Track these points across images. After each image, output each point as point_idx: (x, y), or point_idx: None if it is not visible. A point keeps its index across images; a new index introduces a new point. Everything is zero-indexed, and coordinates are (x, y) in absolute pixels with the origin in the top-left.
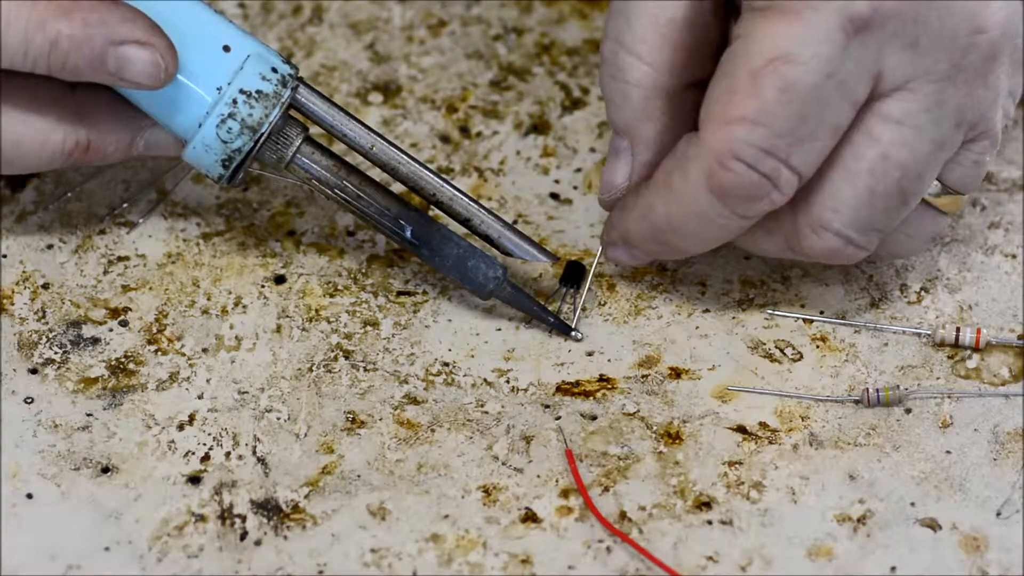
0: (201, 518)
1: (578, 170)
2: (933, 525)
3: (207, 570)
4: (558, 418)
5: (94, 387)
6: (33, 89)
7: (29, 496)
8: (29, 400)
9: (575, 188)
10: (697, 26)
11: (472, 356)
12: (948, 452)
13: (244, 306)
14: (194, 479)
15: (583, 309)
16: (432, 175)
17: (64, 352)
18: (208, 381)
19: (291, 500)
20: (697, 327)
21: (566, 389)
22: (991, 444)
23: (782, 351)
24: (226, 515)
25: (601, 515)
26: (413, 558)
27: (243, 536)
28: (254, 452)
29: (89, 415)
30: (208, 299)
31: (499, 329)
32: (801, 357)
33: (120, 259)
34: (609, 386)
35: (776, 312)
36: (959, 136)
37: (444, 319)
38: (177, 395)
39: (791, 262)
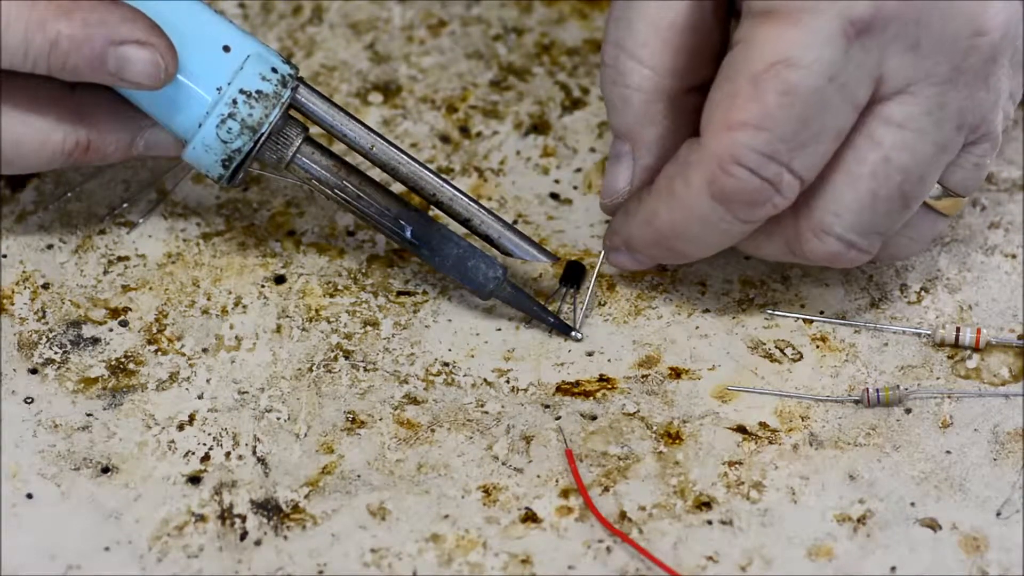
0: (201, 518)
1: (578, 170)
2: (933, 525)
3: (207, 570)
4: (558, 418)
5: (94, 387)
6: (33, 89)
7: (29, 496)
8: (29, 400)
9: (575, 188)
10: (698, 30)
11: (472, 356)
12: (948, 452)
13: (244, 306)
14: (194, 479)
15: (582, 304)
16: (432, 175)
17: (64, 352)
18: (208, 381)
19: (291, 500)
20: (697, 327)
21: (566, 389)
22: (991, 444)
23: (782, 351)
24: (226, 515)
25: (601, 515)
26: (413, 558)
27: (243, 536)
28: (254, 452)
29: (89, 415)
30: (208, 299)
31: (499, 329)
32: (801, 357)
33: (120, 259)
34: (609, 386)
35: (776, 312)
36: (960, 139)
37: (444, 319)
38: (177, 395)
39: (791, 262)
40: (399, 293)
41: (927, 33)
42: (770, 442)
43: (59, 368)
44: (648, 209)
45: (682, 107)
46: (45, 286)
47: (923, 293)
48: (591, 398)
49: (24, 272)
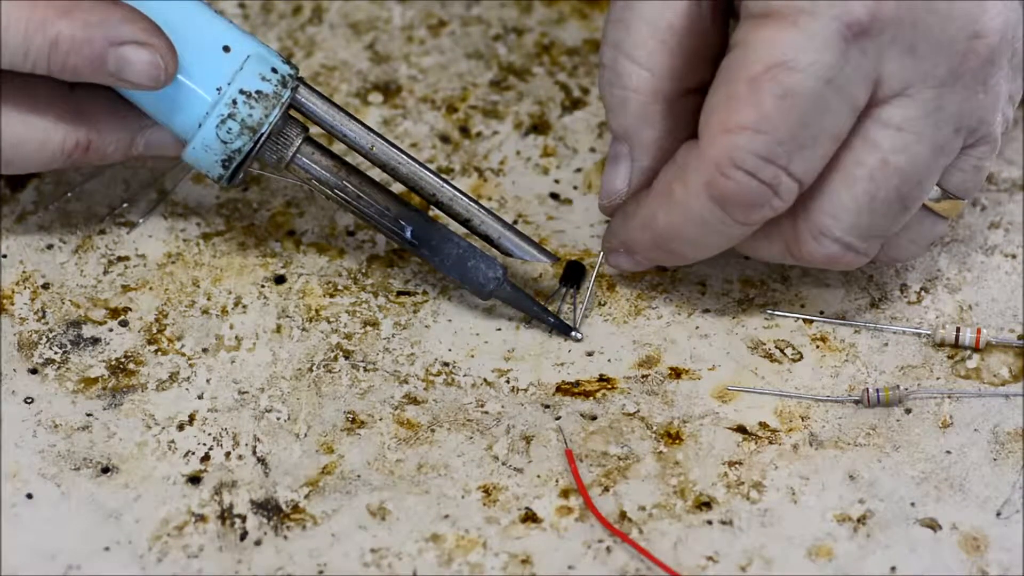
0: (201, 518)
1: (578, 170)
2: (933, 525)
3: (207, 570)
4: (558, 418)
5: (94, 387)
6: (33, 89)
7: (29, 496)
8: (29, 400)
9: (575, 188)
10: (696, 32)
11: (472, 356)
12: (948, 452)
13: (244, 306)
14: (194, 479)
15: (582, 304)
16: (432, 175)
17: (64, 352)
18: (208, 381)
19: (291, 500)
20: (697, 327)
21: (566, 389)
22: (991, 444)
23: (782, 351)
24: (226, 515)
25: (601, 515)
26: (413, 558)
27: (243, 536)
28: (254, 452)
29: (89, 415)
30: (208, 299)
31: (499, 329)
32: (801, 357)
33: (120, 259)
34: (609, 386)
35: (776, 312)
36: (959, 141)
37: (444, 319)
38: (177, 395)
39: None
40: (399, 293)
41: (925, 36)
42: (770, 442)
43: (59, 368)
44: (647, 212)
45: (680, 109)
46: (45, 286)
47: (923, 293)
48: (591, 398)
49: (24, 272)
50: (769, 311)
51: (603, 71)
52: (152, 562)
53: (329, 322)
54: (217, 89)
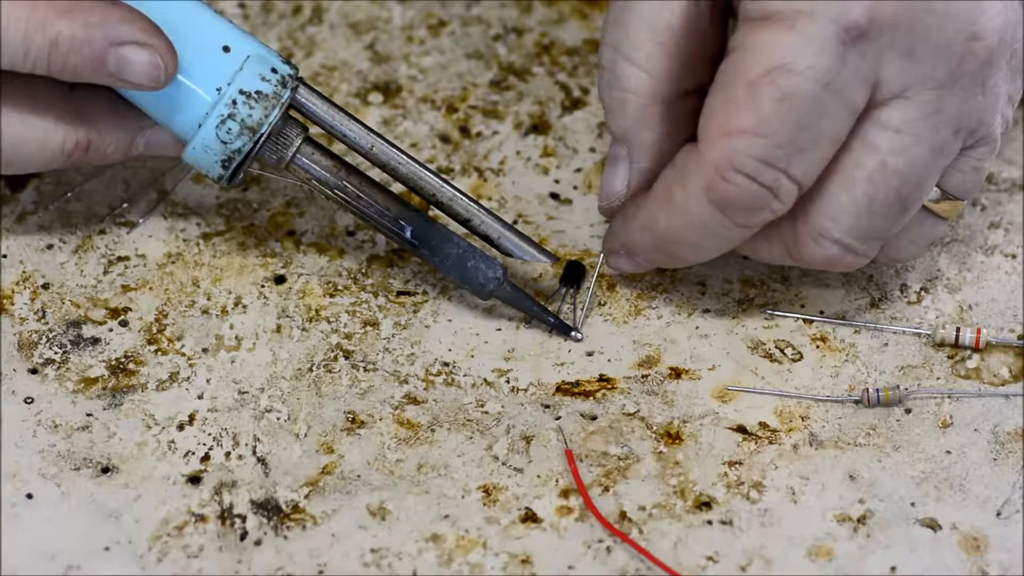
0: (201, 518)
1: (578, 170)
2: (933, 525)
3: (207, 570)
4: (558, 418)
5: (94, 387)
6: (33, 89)
7: (29, 496)
8: (29, 400)
9: (575, 188)
10: (695, 33)
11: (472, 356)
12: (948, 452)
13: (244, 306)
14: (194, 479)
15: (582, 309)
16: (432, 175)
17: (64, 352)
18: (208, 381)
19: (291, 500)
20: (697, 327)
21: (566, 389)
22: (991, 444)
23: (782, 351)
24: (226, 515)
25: (601, 515)
26: (413, 558)
27: (243, 536)
28: (254, 452)
29: (89, 415)
30: (208, 299)
31: (499, 329)
32: (801, 357)
33: (120, 259)
34: (609, 386)
35: (776, 312)
36: (958, 143)
37: (444, 319)
38: (177, 395)
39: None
40: (399, 293)
41: (923, 38)
42: (770, 442)
43: (59, 368)
44: (646, 215)
45: (679, 111)
46: (45, 286)
47: (923, 293)
48: (591, 398)
49: (24, 272)
50: (769, 311)
51: (602, 72)
52: (152, 562)
53: (329, 322)
54: (217, 89)
